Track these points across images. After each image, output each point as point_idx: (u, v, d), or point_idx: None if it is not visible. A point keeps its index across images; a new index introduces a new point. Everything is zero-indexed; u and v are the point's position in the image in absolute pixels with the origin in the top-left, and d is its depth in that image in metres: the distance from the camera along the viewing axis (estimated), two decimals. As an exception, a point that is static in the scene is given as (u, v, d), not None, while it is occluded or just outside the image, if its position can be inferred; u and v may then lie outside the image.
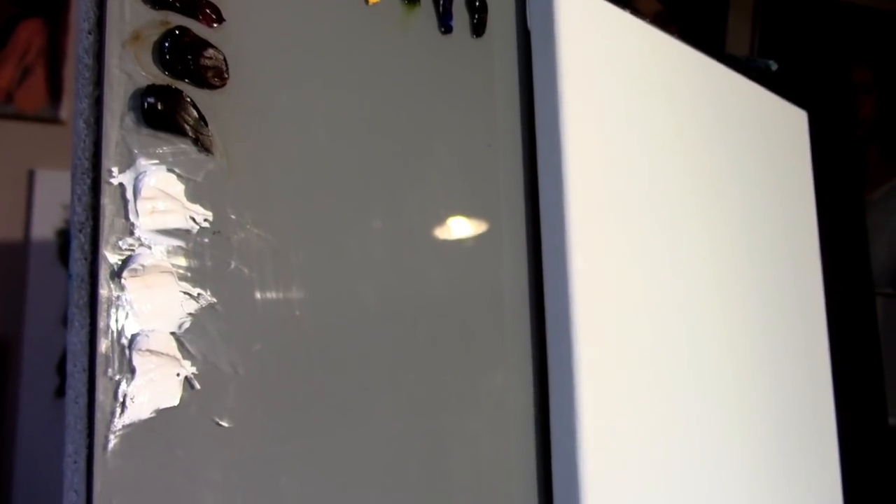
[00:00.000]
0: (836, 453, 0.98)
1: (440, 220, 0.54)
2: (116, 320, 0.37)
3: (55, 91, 1.28)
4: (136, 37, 0.39)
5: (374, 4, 0.51)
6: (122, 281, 0.38)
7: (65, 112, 1.27)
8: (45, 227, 1.30)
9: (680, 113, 0.73)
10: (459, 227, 0.55)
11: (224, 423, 0.41)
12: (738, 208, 0.82)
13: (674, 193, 0.70)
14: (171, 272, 0.39)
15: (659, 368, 0.65)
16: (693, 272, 0.72)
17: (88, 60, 0.39)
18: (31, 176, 1.30)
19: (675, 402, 0.66)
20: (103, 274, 0.37)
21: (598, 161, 0.60)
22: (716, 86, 0.80)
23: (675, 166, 0.71)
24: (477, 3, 0.57)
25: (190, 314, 0.40)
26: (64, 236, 1.29)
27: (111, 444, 0.37)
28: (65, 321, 0.37)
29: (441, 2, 0.55)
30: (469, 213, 0.56)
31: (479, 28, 0.58)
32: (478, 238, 0.56)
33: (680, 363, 0.68)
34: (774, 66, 0.92)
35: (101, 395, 0.37)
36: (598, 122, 0.61)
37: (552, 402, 0.57)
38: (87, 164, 0.38)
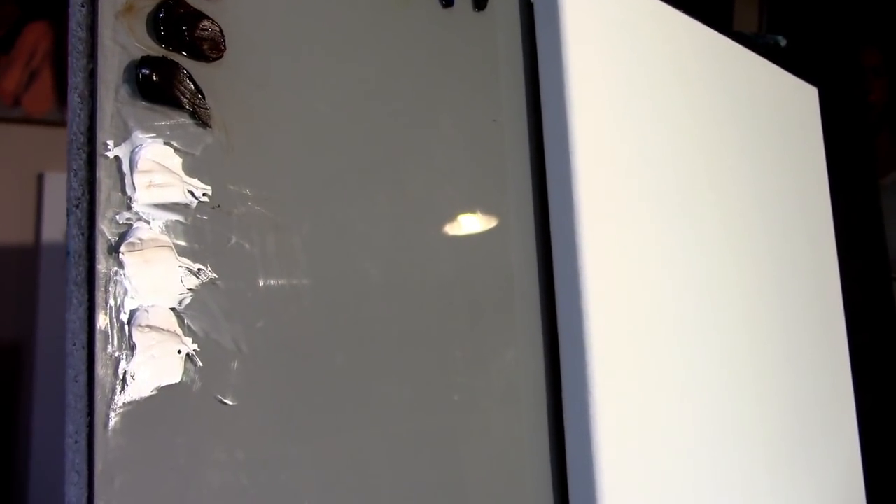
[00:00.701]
0: (856, 438, 0.96)
1: (446, 197, 0.53)
2: (115, 296, 0.37)
3: (63, 94, 1.28)
4: (129, 8, 0.39)
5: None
6: (120, 256, 0.37)
7: (72, 114, 1.27)
8: (55, 229, 1.30)
9: (689, 87, 0.71)
10: (466, 204, 0.54)
11: (228, 402, 0.40)
12: (750, 185, 0.80)
13: (684, 169, 0.69)
14: (170, 247, 0.38)
15: (673, 347, 0.63)
16: (705, 250, 0.70)
17: (82, 33, 0.38)
18: (40, 179, 1.30)
19: (690, 383, 0.65)
20: (100, 248, 0.36)
21: (605, 135, 0.59)
22: (725, 61, 0.79)
23: (685, 141, 0.70)
24: (478, -23, 0.56)
25: (190, 290, 0.39)
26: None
27: (112, 423, 0.36)
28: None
29: (442, -24, 0.54)
30: (475, 189, 0.55)
31: (480, 1, 0.57)
32: (485, 215, 0.55)
33: (695, 343, 0.66)
34: (784, 42, 0.91)
35: (101, 372, 0.36)
36: (604, 96, 0.60)
37: (564, 380, 0.56)
38: (82, 139, 0.38)
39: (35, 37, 1.33)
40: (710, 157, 0.74)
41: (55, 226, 1.30)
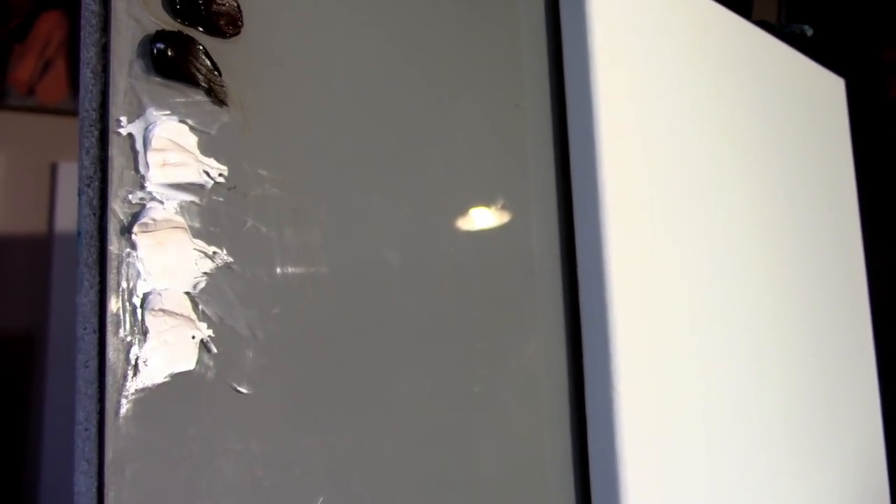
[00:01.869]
0: (881, 436, 0.94)
1: (467, 182, 0.51)
2: (127, 278, 0.35)
3: (77, 83, 1.27)
4: (144, -20, 0.37)
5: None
6: (133, 237, 0.35)
7: (85, 103, 1.26)
8: (68, 220, 1.29)
9: (716, 73, 0.69)
10: (487, 190, 0.53)
11: (243, 390, 0.38)
12: (777, 175, 0.78)
13: (712, 156, 0.67)
14: (185, 228, 0.37)
15: (699, 340, 0.62)
16: (732, 240, 0.69)
17: (94, 6, 0.37)
18: (53, 169, 1.29)
19: (716, 377, 0.63)
20: (112, 229, 0.35)
21: (631, 122, 0.57)
22: (752, 48, 0.76)
23: (712, 128, 0.68)
24: (502, -43, 0.55)
25: (205, 273, 0.38)
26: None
27: (123, 410, 0.35)
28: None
29: (464, -45, 0.52)
30: (497, 175, 0.53)
31: (504, -18, 0.55)
32: (507, 201, 0.54)
33: (720, 336, 0.65)
34: (811, 32, 0.88)
35: (113, 358, 0.35)
36: (631, 81, 0.58)
37: (587, 372, 0.54)
38: (94, 116, 0.36)
39: (49, 26, 1.33)
40: (738, 144, 0.72)
41: (69, 216, 1.30)
